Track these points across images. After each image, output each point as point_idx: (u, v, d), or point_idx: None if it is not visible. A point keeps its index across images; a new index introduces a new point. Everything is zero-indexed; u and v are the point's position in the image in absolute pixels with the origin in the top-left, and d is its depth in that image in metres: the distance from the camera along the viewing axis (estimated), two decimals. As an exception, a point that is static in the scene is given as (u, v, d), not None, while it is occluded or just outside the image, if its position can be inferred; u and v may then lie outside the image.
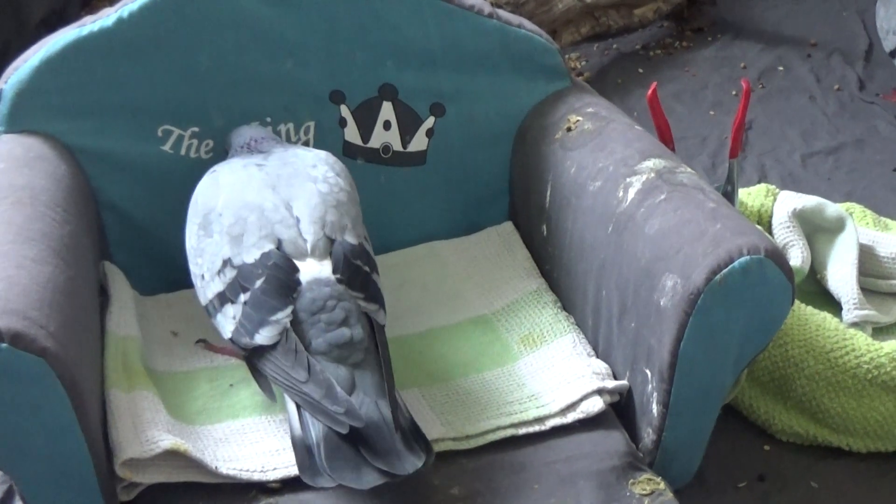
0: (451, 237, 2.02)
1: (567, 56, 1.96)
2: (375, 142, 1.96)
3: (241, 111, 1.87)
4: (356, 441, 1.42)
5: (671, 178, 1.70)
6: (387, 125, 1.95)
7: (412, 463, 1.42)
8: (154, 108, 1.82)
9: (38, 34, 1.93)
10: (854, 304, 2.13)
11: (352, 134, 1.94)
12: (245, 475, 1.50)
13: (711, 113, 3.29)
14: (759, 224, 2.27)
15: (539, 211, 1.92)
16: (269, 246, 1.55)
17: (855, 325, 2.11)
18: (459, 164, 2.00)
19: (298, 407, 1.47)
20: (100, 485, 1.44)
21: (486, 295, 1.89)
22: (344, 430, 1.41)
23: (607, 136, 1.84)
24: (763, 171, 2.99)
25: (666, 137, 2.16)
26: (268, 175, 1.66)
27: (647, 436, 1.64)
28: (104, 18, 1.79)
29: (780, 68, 3.55)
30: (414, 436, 1.47)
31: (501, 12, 1.97)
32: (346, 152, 1.94)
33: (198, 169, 1.80)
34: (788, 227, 2.24)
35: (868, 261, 2.25)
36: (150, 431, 1.49)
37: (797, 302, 2.00)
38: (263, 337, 1.49)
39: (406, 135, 1.96)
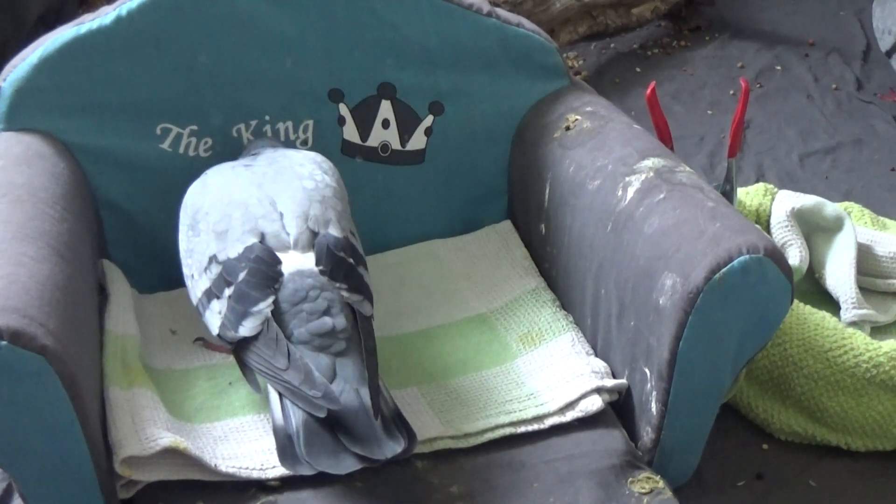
0: (450, 236, 2.02)
1: (564, 55, 1.96)
2: (374, 140, 1.95)
3: (239, 109, 1.87)
4: (335, 428, 1.43)
5: (670, 177, 1.70)
6: (385, 124, 1.95)
7: (391, 448, 1.42)
8: (153, 106, 1.82)
9: (36, 32, 1.93)
10: (852, 303, 2.13)
11: (350, 132, 1.94)
12: (244, 473, 1.50)
13: (709, 112, 3.29)
14: (757, 223, 2.27)
15: (538, 210, 1.92)
16: (253, 240, 1.56)
17: (853, 324, 2.11)
18: (458, 162, 2.00)
19: (281, 397, 1.48)
20: (99, 482, 1.44)
21: (485, 294, 1.89)
22: (322, 414, 1.41)
23: (606, 135, 1.84)
24: (761, 170, 2.99)
25: (665, 136, 2.16)
26: (254, 174, 1.67)
27: (646, 434, 1.64)
28: (103, 17, 1.79)
29: (778, 68, 3.55)
30: (396, 423, 1.47)
31: (500, 11, 1.97)
32: (345, 151, 1.94)
33: (196, 167, 1.80)
34: (787, 226, 2.24)
35: (866, 260, 2.25)
36: (149, 429, 1.49)
37: (796, 301, 2.00)
38: (246, 328, 1.50)
39: (405, 133, 1.96)
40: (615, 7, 3.59)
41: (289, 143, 1.91)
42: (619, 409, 1.68)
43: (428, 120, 1.96)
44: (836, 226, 2.25)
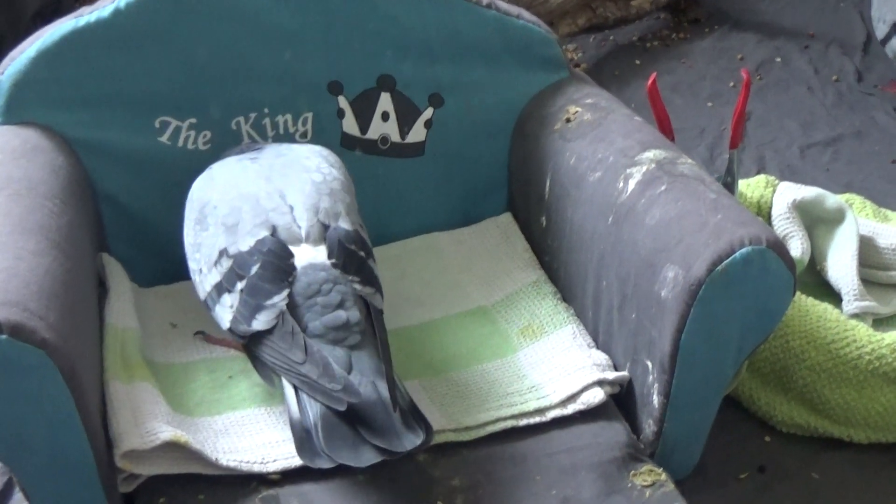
0: (450, 228, 2.01)
1: (564, 47, 1.96)
2: (374, 133, 1.95)
3: (238, 102, 1.87)
4: (354, 421, 1.42)
5: (672, 168, 1.70)
6: (385, 116, 1.95)
7: (410, 440, 1.42)
8: (151, 99, 1.82)
9: (33, 26, 1.92)
10: (854, 295, 2.13)
11: (350, 125, 1.93)
12: (245, 467, 1.49)
13: (709, 104, 3.29)
14: (758, 215, 2.27)
15: (538, 202, 1.91)
16: (264, 233, 1.56)
17: (855, 316, 2.10)
18: (458, 155, 1.99)
19: (296, 390, 1.47)
20: (100, 476, 1.44)
21: (486, 286, 1.89)
22: (342, 407, 1.41)
23: (607, 127, 1.84)
24: (762, 162, 2.99)
25: (666, 128, 2.16)
26: (261, 167, 1.67)
27: (648, 427, 1.63)
28: (101, 9, 1.78)
29: (778, 60, 3.54)
30: (413, 416, 1.47)
31: (500, 3, 1.96)
32: (345, 143, 1.94)
33: (195, 160, 1.80)
34: (788, 218, 2.23)
35: (868, 252, 2.24)
36: (149, 423, 1.49)
37: (798, 293, 2.00)
38: (260, 322, 1.49)
39: (404, 126, 1.96)
40: (615, -1, 3.59)
41: (288, 136, 1.90)
42: (621, 401, 1.68)
43: (428, 112, 1.96)
44: (837, 218, 2.25)
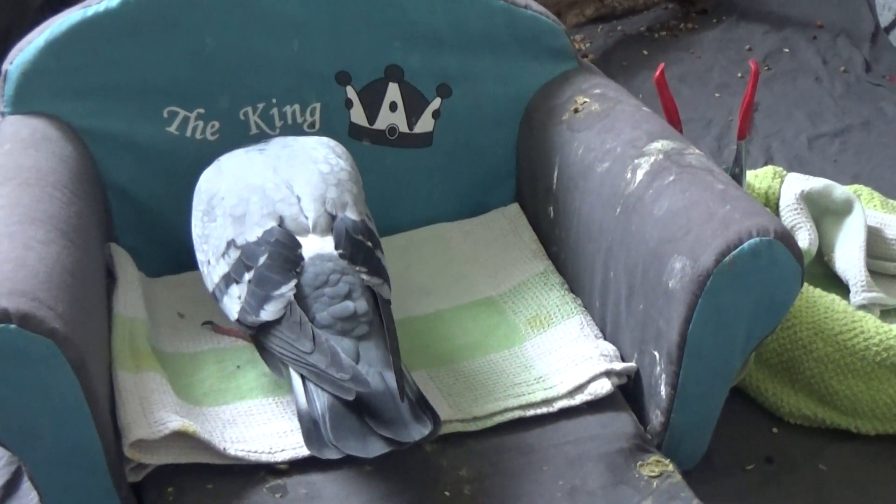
0: (458, 219, 2.01)
1: (571, 38, 1.95)
2: (381, 123, 1.95)
3: (246, 92, 1.87)
4: (361, 411, 1.42)
5: (679, 159, 1.69)
6: (393, 106, 1.95)
7: (418, 431, 1.42)
8: (159, 89, 1.82)
9: (41, 16, 1.92)
10: (862, 286, 2.13)
11: (358, 115, 1.93)
12: (253, 456, 1.50)
13: (717, 95, 3.28)
14: (766, 206, 2.26)
15: (546, 193, 1.91)
16: (272, 223, 1.56)
17: (863, 307, 2.10)
18: (466, 145, 1.99)
19: (304, 381, 1.47)
20: (108, 466, 1.44)
21: (493, 277, 1.89)
22: (350, 397, 1.41)
23: (615, 118, 1.84)
24: (769, 153, 2.98)
25: (673, 119, 2.15)
26: (268, 158, 1.67)
27: (656, 418, 1.63)
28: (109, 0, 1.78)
29: (786, 50, 3.54)
30: (421, 406, 1.47)
31: (508, -7, 1.96)
32: (352, 134, 1.94)
33: (203, 150, 1.80)
34: (796, 209, 2.23)
35: (876, 243, 2.24)
36: (158, 413, 1.49)
37: (805, 284, 1.99)
38: (268, 312, 1.49)
39: (412, 116, 1.96)
40: (622, -11, 3.59)
41: (296, 126, 1.90)
42: (628, 392, 1.68)
43: (435, 102, 1.96)
44: (845, 209, 2.24)
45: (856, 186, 2.40)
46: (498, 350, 1.73)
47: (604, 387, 1.63)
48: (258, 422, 1.56)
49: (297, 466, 1.49)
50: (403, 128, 1.96)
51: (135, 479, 1.49)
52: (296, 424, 1.51)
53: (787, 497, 1.89)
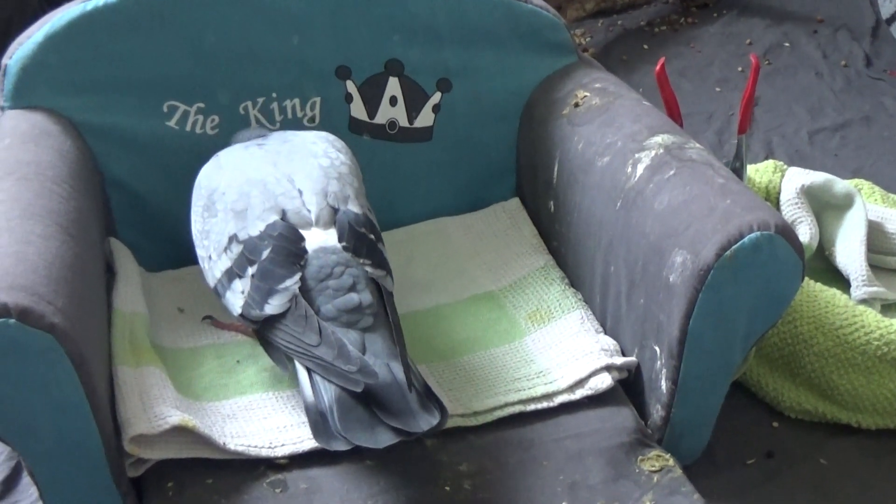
0: (458, 213, 2.01)
1: (572, 32, 1.95)
2: (381, 118, 1.95)
3: (246, 87, 1.87)
4: (369, 402, 1.42)
5: (680, 153, 1.69)
6: (393, 101, 1.94)
7: (427, 420, 1.42)
8: (159, 83, 1.82)
9: (41, 10, 1.92)
10: (862, 280, 2.12)
11: (358, 110, 1.93)
12: (253, 451, 1.50)
13: (717, 89, 3.28)
14: (767, 201, 2.26)
15: (546, 187, 1.91)
16: (274, 217, 1.56)
17: (864, 301, 2.10)
18: (466, 139, 1.99)
19: (310, 374, 1.47)
20: (108, 461, 1.44)
21: (493, 271, 1.89)
22: (358, 389, 1.41)
23: (615, 112, 1.84)
24: (770, 147, 2.98)
25: (674, 113, 2.15)
26: (268, 153, 1.67)
27: (656, 412, 1.63)
28: (109, -7, 1.78)
29: (787, 44, 3.53)
30: (428, 396, 1.47)
31: (508, -13, 1.96)
32: (353, 128, 1.93)
33: (203, 145, 1.80)
34: (797, 203, 2.23)
35: (876, 237, 2.24)
36: (157, 408, 1.49)
37: (806, 278, 1.99)
38: (273, 307, 1.49)
39: (412, 111, 1.95)
40: (623, -16, 3.59)
41: (296, 121, 1.90)
42: (629, 387, 1.68)
43: (436, 97, 1.96)
44: (846, 203, 2.24)
45: (856, 181, 2.39)
46: (498, 344, 1.73)
47: (604, 381, 1.63)
48: (258, 417, 1.56)
49: (297, 461, 1.49)
50: (403, 122, 1.96)
51: (135, 474, 1.49)
52: (296, 419, 1.50)
53: (787, 491, 1.89)
